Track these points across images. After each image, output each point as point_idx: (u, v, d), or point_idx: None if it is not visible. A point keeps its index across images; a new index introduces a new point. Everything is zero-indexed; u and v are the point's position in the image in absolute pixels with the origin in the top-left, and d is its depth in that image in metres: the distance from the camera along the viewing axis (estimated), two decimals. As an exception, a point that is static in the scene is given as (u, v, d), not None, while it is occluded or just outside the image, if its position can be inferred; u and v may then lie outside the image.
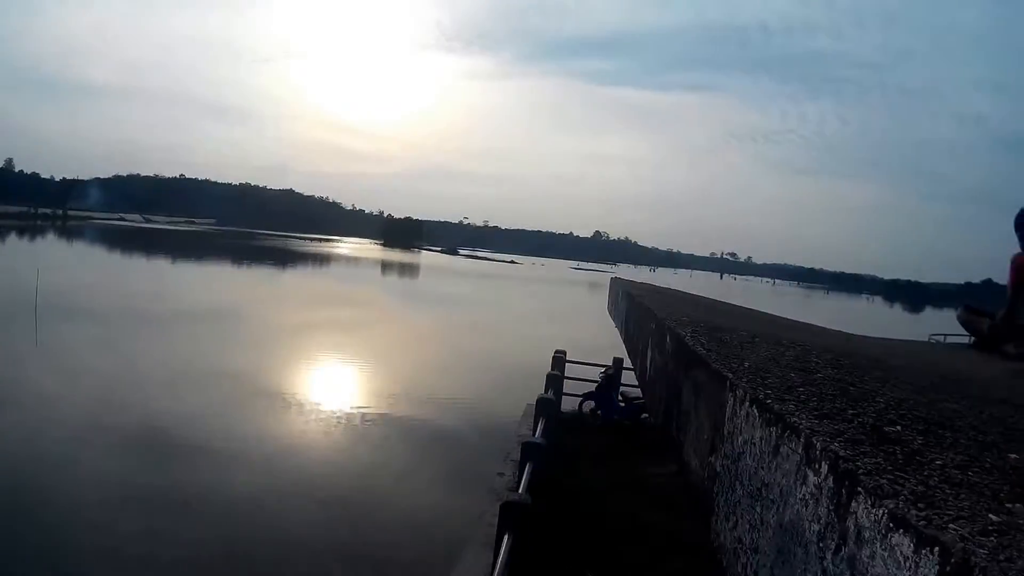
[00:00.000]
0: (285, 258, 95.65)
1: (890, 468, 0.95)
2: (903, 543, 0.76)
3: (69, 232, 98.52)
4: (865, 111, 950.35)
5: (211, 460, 14.04)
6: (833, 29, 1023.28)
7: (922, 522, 0.76)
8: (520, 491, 6.37)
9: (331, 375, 23.41)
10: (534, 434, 8.94)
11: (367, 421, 17.57)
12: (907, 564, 0.74)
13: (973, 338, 4.87)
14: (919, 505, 0.82)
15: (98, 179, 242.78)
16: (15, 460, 12.60)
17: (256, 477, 13.27)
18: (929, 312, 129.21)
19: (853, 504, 0.90)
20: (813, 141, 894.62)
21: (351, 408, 18.59)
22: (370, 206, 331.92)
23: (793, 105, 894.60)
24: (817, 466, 1.05)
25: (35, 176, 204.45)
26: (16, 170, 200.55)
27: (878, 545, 0.81)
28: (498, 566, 4.74)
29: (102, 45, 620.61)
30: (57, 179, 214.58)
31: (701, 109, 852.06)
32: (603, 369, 14.71)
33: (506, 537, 5.09)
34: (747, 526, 1.33)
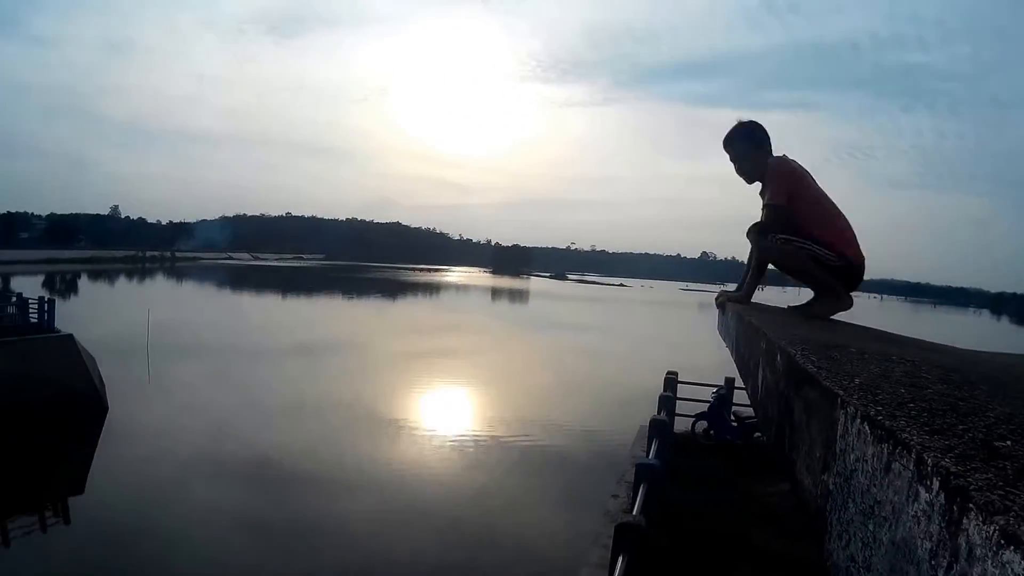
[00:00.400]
0: (395, 289, 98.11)
1: (1001, 484, 0.91)
2: (1014, 560, 0.74)
3: (178, 272, 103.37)
4: (959, 123, 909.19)
5: (326, 488, 14.51)
6: (921, 43, 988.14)
7: (1034, 538, 0.73)
8: (634, 513, 6.31)
9: (445, 401, 23.81)
10: (647, 455, 8.84)
11: (482, 445, 17.78)
12: (1019, 581, 0.72)
13: None
14: (1031, 521, 0.79)
15: (204, 220, 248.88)
16: (134, 490, 13.34)
17: (371, 503, 13.61)
18: None
19: (964, 521, 0.88)
20: (911, 155, 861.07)
21: (465, 433, 18.86)
22: (477, 235, 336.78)
23: (889, 119, 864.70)
24: (928, 482, 1.03)
25: (142, 221, 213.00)
26: (123, 216, 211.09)
27: (989, 563, 0.79)
28: (613, 588, 4.72)
29: (202, 95, 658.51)
30: (164, 223, 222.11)
31: (798, 128, 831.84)
32: (715, 389, 14.42)
33: (620, 559, 5.06)
34: (859, 544, 1.30)
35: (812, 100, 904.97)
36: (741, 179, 4.67)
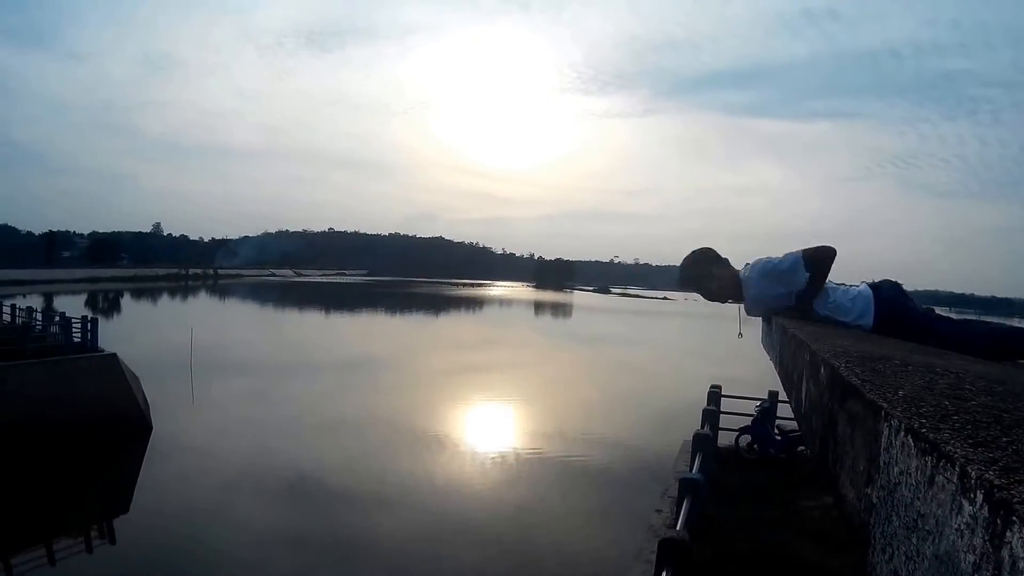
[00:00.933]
0: (438, 304, 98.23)
1: (1045, 496, 0.90)
2: (1057, 573, 0.73)
3: (220, 290, 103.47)
4: (1002, 130, 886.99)
5: (366, 504, 14.58)
6: (961, 49, 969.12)
7: (1077, 551, 0.72)
8: (678, 528, 6.25)
9: (487, 416, 23.82)
10: (691, 470, 8.76)
11: (523, 459, 17.74)
12: (1061, 594, 0.71)
13: None
14: (1074, 534, 0.78)
15: (247, 237, 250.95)
16: (178, 510, 13.43)
17: (411, 518, 13.63)
18: None
19: (1008, 534, 0.87)
20: (954, 164, 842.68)
21: (507, 447, 18.85)
22: (520, 249, 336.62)
23: (931, 128, 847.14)
24: (972, 495, 1.01)
25: (184, 238, 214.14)
26: (165, 233, 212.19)
27: (1032, 575, 0.77)
28: (657, 602, 4.68)
29: (241, 110, 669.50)
30: (206, 239, 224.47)
31: (839, 136, 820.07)
32: (759, 403, 14.23)
33: (664, 573, 5.02)
34: (903, 558, 1.28)
35: (853, 109, 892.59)
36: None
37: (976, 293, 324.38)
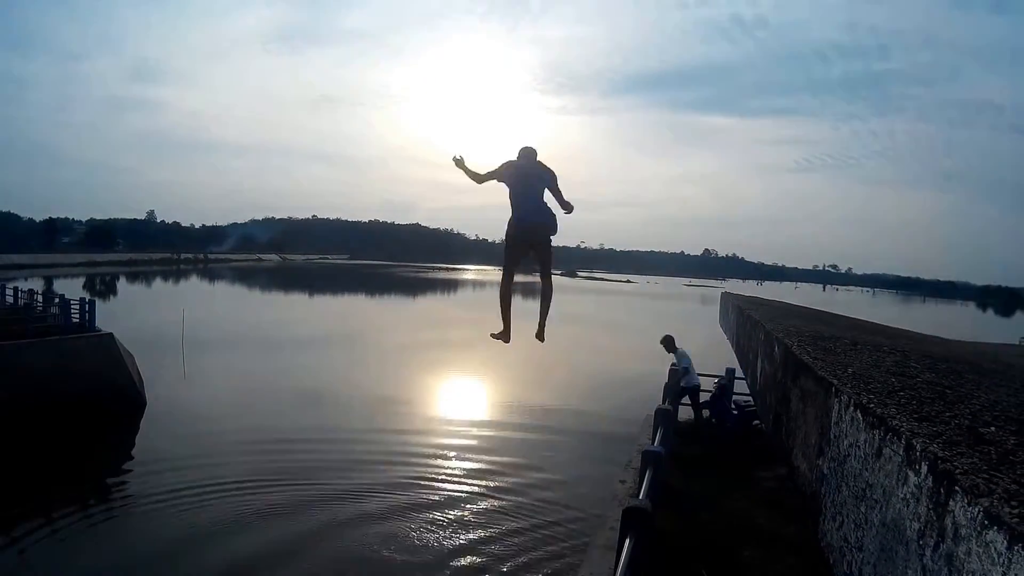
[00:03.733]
0: (414, 285, 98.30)
1: (985, 467, 0.92)
2: (997, 540, 0.74)
3: (211, 273, 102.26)
4: (928, 126, 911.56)
5: (339, 460, 14.87)
6: (882, 51, 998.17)
7: (1015, 519, 0.74)
8: (641, 497, 6.32)
9: (458, 390, 23.85)
10: (653, 443, 8.84)
11: (493, 434, 17.80)
12: (1001, 560, 0.72)
13: None
14: (1012, 503, 0.79)
15: (235, 224, 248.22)
16: (170, 479, 13.48)
17: (384, 480, 13.79)
18: (1020, 316, 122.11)
19: (951, 503, 0.89)
20: (888, 155, 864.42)
21: (473, 420, 18.93)
22: (492, 235, 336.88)
23: (861, 123, 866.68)
24: (917, 467, 1.03)
25: (176, 225, 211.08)
26: (158, 220, 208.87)
27: (974, 542, 0.79)
28: (620, 566, 4.73)
29: (229, 110, 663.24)
30: (197, 226, 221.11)
31: (778, 131, 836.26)
32: (716, 379, 14.41)
33: (628, 540, 5.07)
34: (852, 525, 1.30)
35: (790, 106, 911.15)
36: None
37: (922, 277, 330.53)
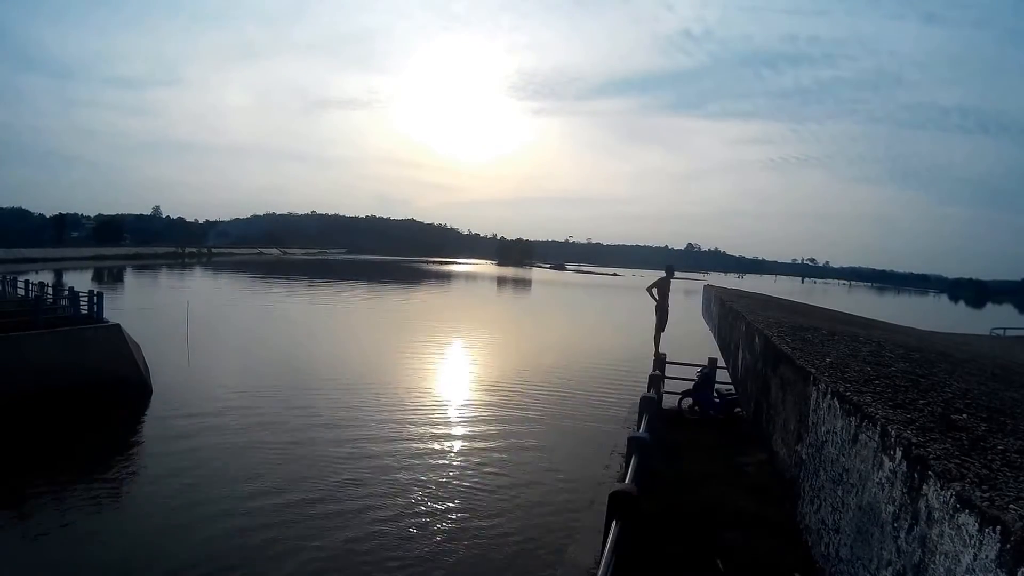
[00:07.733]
0: (409, 277, 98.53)
1: (957, 453, 0.92)
2: (968, 522, 0.74)
3: (214, 266, 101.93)
4: (880, 128, 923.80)
5: (336, 439, 15.01)
6: (828, 60, 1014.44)
7: (985, 503, 0.74)
8: (627, 481, 6.33)
9: (454, 381, 23.82)
10: (638, 430, 8.86)
11: (484, 420, 17.81)
12: (972, 542, 0.72)
13: None
14: (983, 487, 0.80)
15: (237, 219, 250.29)
16: (177, 463, 13.47)
17: (382, 465, 13.81)
18: (990, 308, 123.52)
19: (924, 487, 0.89)
20: (848, 156, 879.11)
21: (464, 410, 18.93)
22: (484, 230, 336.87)
23: (817, 125, 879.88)
24: (892, 452, 1.03)
25: (180, 220, 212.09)
26: (163, 216, 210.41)
27: (946, 524, 0.79)
28: (607, 549, 4.74)
29: (229, 114, 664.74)
30: (200, 221, 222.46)
31: (741, 132, 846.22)
32: (700, 369, 14.47)
33: (614, 523, 5.08)
34: (829, 509, 1.30)
35: (750, 110, 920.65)
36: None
37: (897, 270, 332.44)
